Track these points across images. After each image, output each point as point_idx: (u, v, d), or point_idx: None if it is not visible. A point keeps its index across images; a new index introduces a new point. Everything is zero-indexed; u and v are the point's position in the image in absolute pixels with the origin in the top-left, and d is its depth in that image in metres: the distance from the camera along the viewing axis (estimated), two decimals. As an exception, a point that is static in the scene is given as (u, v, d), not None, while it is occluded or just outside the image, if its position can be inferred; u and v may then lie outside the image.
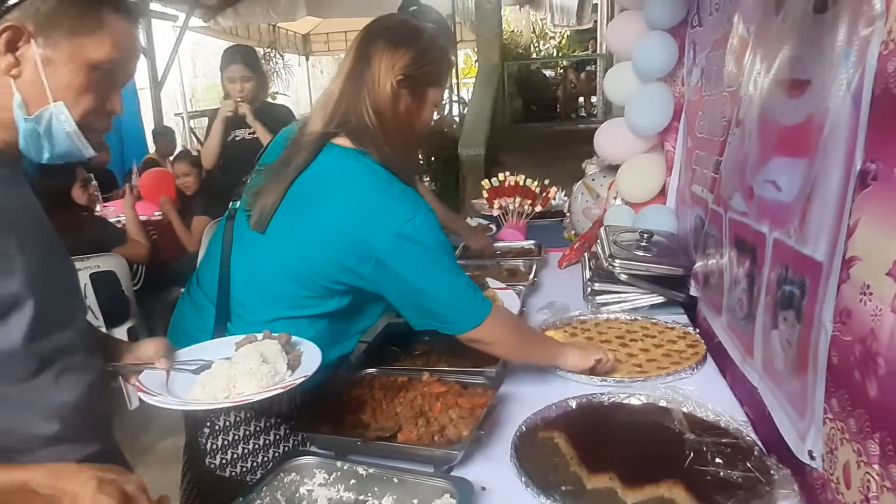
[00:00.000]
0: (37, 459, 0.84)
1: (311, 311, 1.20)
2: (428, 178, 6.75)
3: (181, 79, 8.87)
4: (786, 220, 1.00)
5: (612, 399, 1.24)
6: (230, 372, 0.99)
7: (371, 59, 1.20)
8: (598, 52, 9.61)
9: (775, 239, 1.05)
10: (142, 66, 6.47)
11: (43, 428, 0.87)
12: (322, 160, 1.19)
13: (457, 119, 7.11)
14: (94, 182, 4.22)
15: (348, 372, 1.36)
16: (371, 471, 1.03)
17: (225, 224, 1.30)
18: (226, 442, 1.19)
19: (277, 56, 9.86)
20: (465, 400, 1.20)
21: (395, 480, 1.01)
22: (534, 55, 11.37)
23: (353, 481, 1.03)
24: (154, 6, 6.40)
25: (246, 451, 1.21)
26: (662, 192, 2.15)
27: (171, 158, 5.32)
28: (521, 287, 1.88)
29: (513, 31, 11.78)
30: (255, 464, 1.21)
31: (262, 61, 10.98)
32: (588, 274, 1.86)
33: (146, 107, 6.67)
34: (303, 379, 1.00)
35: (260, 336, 1.09)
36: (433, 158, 6.54)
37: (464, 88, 9.96)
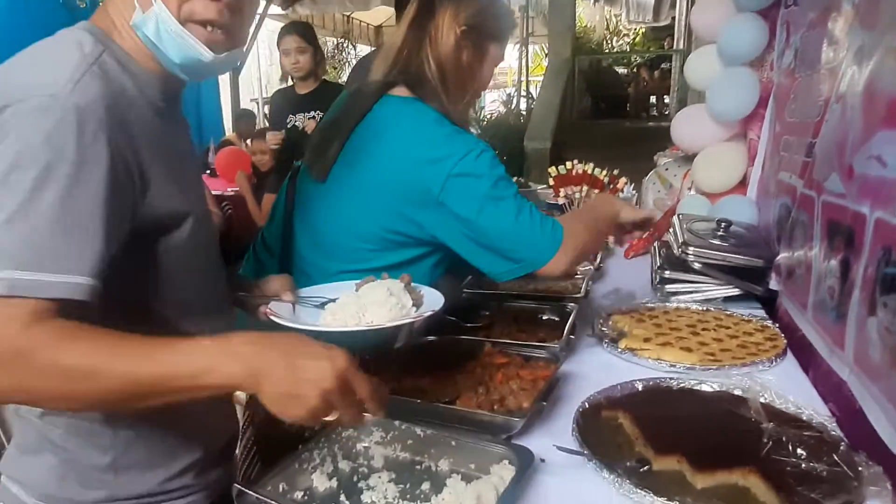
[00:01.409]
0: None
1: (372, 265, 1.19)
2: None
3: (258, 65, 9.17)
4: (891, 198, 0.92)
5: (682, 385, 1.18)
6: (360, 301, 0.99)
7: (435, 8, 1.19)
8: (674, 48, 9.31)
9: (877, 219, 0.96)
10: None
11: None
12: (379, 110, 1.20)
13: (524, 113, 7.03)
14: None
15: (411, 337, 1.35)
16: (429, 432, 1.01)
17: (288, 183, 1.33)
18: None
19: (350, 46, 10.06)
20: (526, 372, 1.17)
21: (453, 443, 0.99)
22: (606, 51, 11.12)
23: (409, 441, 1.02)
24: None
25: None
26: (742, 183, 2.04)
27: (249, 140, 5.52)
28: (588, 268, 1.83)
29: (586, 26, 11.56)
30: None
31: (336, 51, 11.27)
32: (658, 262, 1.79)
33: (224, 91, 6.93)
34: (430, 313, 1.00)
35: (379, 278, 1.09)
36: (498, 151, 6.52)
37: (532, 85, 9.85)
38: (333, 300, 1.04)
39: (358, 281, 1.10)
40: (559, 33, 7.37)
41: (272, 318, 0.97)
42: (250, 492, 0.86)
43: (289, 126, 3.14)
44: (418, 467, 0.99)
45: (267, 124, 9.36)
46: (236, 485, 0.88)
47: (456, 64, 1.20)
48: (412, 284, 1.09)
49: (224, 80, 6.91)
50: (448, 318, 1.46)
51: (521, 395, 1.10)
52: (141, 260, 0.79)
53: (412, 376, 1.20)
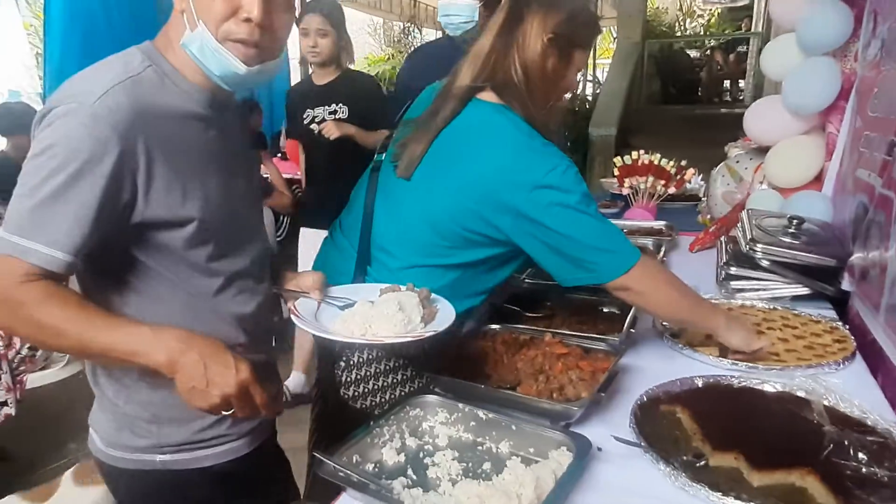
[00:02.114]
0: None
1: (446, 261, 1.25)
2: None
3: (327, 50, 9.34)
4: (974, 204, 0.89)
5: (744, 383, 1.19)
6: (370, 313, 1.07)
7: (524, 16, 1.22)
8: (752, 30, 8.86)
9: (958, 225, 0.94)
10: (295, 38, 6.92)
11: (231, 335, 1.00)
12: (467, 114, 1.24)
13: (589, 98, 6.90)
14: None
15: (474, 325, 1.41)
16: (490, 415, 1.07)
17: (370, 175, 1.39)
18: (359, 376, 1.29)
19: (416, 31, 10.10)
20: (586, 363, 1.20)
21: (514, 428, 1.04)
22: (678, 34, 10.69)
23: (472, 423, 1.08)
24: (306, -20, 6.76)
25: (376, 386, 1.29)
26: (818, 178, 1.97)
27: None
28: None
29: (657, 7, 11.15)
30: (383, 399, 1.30)
31: (402, 35, 11.34)
32: (724, 257, 1.77)
33: (296, 76, 7.13)
34: (432, 333, 1.06)
35: (403, 287, 1.16)
36: (562, 138, 6.43)
37: (599, 69, 9.61)
38: (355, 303, 1.11)
39: (383, 286, 1.17)
40: (628, 16, 7.16)
41: (293, 316, 1.08)
42: (328, 461, 0.95)
43: (306, 122, 2.71)
44: (480, 448, 1.05)
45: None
46: (316, 453, 0.97)
47: (542, 70, 1.23)
48: (431, 297, 1.14)
49: (295, 66, 7.12)
50: (510, 307, 1.51)
51: (580, 385, 1.14)
52: (141, 252, 0.92)
53: (476, 362, 1.26)
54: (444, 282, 1.24)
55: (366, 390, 1.29)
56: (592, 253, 1.17)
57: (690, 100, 9.22)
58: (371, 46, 12.33)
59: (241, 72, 0.89)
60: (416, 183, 1.26)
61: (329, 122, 2.58)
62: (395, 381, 1.31)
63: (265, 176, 3.98)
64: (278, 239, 3.68)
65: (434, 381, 1.19)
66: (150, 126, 0.86)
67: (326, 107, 2.69)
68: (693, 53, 10.28)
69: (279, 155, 5.23)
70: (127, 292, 0.94)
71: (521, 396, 1.11)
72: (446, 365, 1.23)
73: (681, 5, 11.60)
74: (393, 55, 11.89)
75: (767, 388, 1.16)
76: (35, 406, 2.50)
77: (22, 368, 2.30)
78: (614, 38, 8.73)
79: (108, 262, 0.91)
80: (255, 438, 1.09)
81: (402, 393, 1.30)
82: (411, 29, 10.03)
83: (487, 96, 1.25)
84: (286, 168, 4.49)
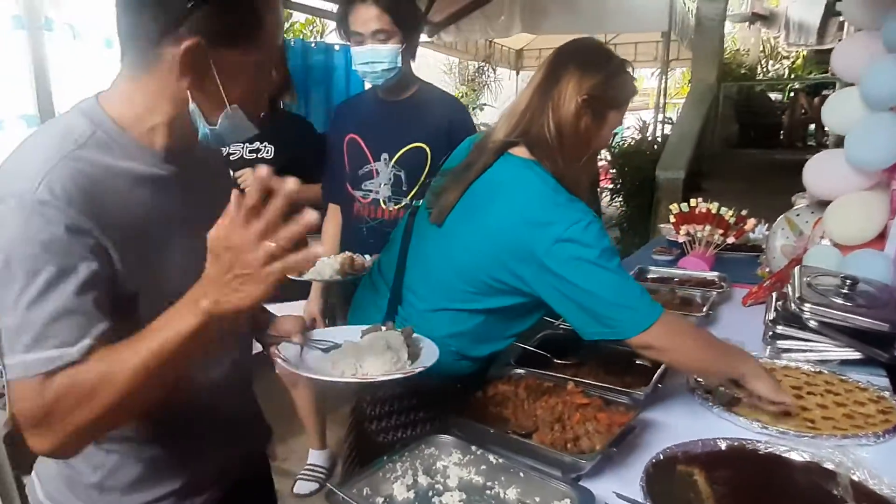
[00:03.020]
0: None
1: (471, 306, 1.30)
2: (620, 199, 6.56)
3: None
4: None
5: (770, 449, 1.15)
6: (358, 353, 1.09)
7: (560, 77, 1.28)
8: (840, 74, 8.46)
9: None
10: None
11: (205, 399, 0.96)
12: (499, 166, 1.29)
13: (659, 140, 6.79)
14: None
15: (501, 368, 1.43)
16: (501, 461, 1.09)
17: (408, 219, 1.47)
18: (382, 411, 1.35)
19: (490, 70, 10.34)
20: (604, 416, 1.20)
21: (521, 475, 1.06)
22: (760, 76, 10.37)
23: (483, 467, 1.11)
24: (387, 23, 7.10)
25: (399, 422, 1.35)
26: (881, 237, 1.88)
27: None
28: (692, 318, 1.79)
29: (738, 49, 10.89)
30: (409, 435, 1.35)
31: (476, 74, 11.61)
32: (772, 315, 1.71)
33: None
34: (421, 369, 1.07)
35: (384, 327, 1.19)
36: (628, 179, 6.35)
37: (673, 109, 9.46)
38: (338, 345, 1.12)
39: (364, 327, 1.18)
40: (704, 57, 7.05)
41: (277, 359, 1.07)
42: (338, 492, 1.00)
43: (228, 155, 2.35)
44: (488, 492, 1.07)
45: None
46: (328, 484, 1.02)
47: (574, 129, 1.28)
48: (413, 336, 1.16)
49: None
50: (540, 352, 1.52)
51: (596, 438, 1.14)
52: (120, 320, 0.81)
53: (497, 405, 1.28)
54: (469, 326, 1.29)
55: (388, 425, 1.34)
56: (612, 309, 1.18)
57: (771, 144, 8.88)
58: (446, 84, 12.71)
59: (251, 134, 0.92)
60: (446, 230, 1.32)
61: (248, 170, 2.12)
62: (419, 417, 1.36)
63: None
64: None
65: (451, 422, 1.22)
66: (103, 200, 0.79)
67: (248, 144, 2.34)
68: (775, 96, 9.93)
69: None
70: None
71: (531, 444, 1.12)
72: (469, 406, 1.27)
73: (763, 47, 11.29)
74: (466, 93, 12.20)
75: (795, 456, 1.12)
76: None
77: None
78: (688, 81, 8.58)
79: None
80: None
81: (423, 431, 1.34)
82: (485, 68, 10.27)
83: (519, 151, 1.30)
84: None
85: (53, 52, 3.73)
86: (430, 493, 1.07)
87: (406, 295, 1.38)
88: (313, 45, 6.08)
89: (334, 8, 6.18)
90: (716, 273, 2.32)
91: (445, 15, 7.65)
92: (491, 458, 1.10)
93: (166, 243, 0.88)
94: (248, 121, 0.89)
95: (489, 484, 1.09)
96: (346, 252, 1.89)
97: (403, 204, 1.94)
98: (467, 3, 7.36)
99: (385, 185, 1.95)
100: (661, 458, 1.11)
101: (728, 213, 2.53)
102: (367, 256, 1.88)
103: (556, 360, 1.50)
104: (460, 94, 12.29)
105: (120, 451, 0.92)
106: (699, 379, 1.42)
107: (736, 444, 1.16)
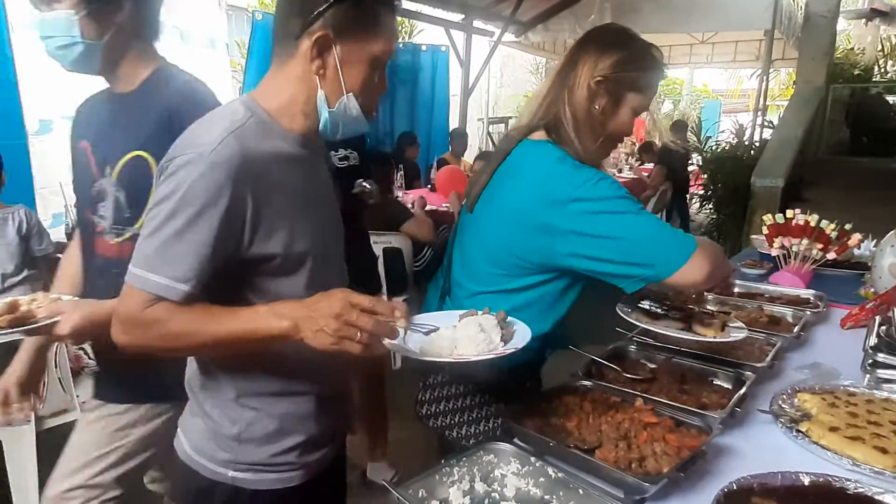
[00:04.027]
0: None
1: (505, 287, 1.32)
2: (711, 207, 6.25)
3: (488, 88, 9.73)
4: None
5: (860, 490, 1.05)
6: (454, 335, 1.14)
7: (578, 61, 1.31)
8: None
9: None
10: (457, 75, 7.33)
11: (319, 365, 1.09)
12: (517, 151, 1.33)
13: (757, 144, 6.38)
14: (402, 172, 4.95)
15: (567, 378, 1.40)
16: (560, 475, 1.06)
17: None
18: (432, 396, 1.39)
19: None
20: (674, 437, 1.14)
21: (581, 492, 1.02)
22: (877, 77, 9.52)
23: (541, 479, 1.08)
24: (476, 23, 7.14)
25: (447, 408, 1.38)
26: None
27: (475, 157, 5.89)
28: (780, 338, 1.67)
29: (851, 48, 10.05)
30: (453, 421, 1.38)
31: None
32: (873, 341, 1.56)
33: (454, 111, 7.51)
34: (513, 350, 1.10)
35: (480, 312, 1.22)
36: (721, 185, 6.03)
37: (774, 112, 8.87)
38: (437, 329, 1.18)
39: (462, 312, 1.23)
40: (811, 58, 6.54)
41: (384, 341, 1.12)
42: (394, 491, 1.01)
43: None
44: (545, 506, 1.05)
45: (489, 143, 9.89)
46: (383, 481, 1.03)
47: (587, 112, 1.30)
48: (508, 320, 1.19)
49: (455, 101, 7.51)
50: (609, 365, 1.47)
51: (664, 460, 1.09)
52: (244, 286, 1.03)
53: (561, 415, 1.25)
54: (507, 307, 1.28)
55: (438, 410, 1.38)
56: (644, 248, 1.17)
57: (889, 151, 8.13)
58: (532, 85, 12.59)
59: (364, 130, 1.09)
60: (475, 216, 1.37)
61: (364, 183, 2.27)
62: (464, 404, 1.39)
63: (408, 202, 4.23)
64: (417, 268, 3.85)
65: (512, 430, 1.20)
66: (255, 170, 0.96)
67: (335, 152, 2.29)
68: (893, 99, 9.08)
69: (429, 187, 5.51)
70: None
71: (594, 461, 1.08)
72: (529, 412, 1.25)
73: (882, 45, 10.34)
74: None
75: (888, 499, 1.01)
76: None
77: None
78: (793, 82, 8.01)
79: (215, 295, 0.99)
80: (312, 472, 1.16)
81: (471, 418, 1.37)
82: (573, 68, 10.07)
83: (538, 135, 1.34)
84: (433, 200, 4.72)
85: (162, 53, 4.03)
86: (487, 501, 1.06)
87: (452, 284, 1.43)
88: (401, 45, 6.19)
89: (423, 9, 6.28)
90: (811, 291, 2.15)
91: (534, 14, 7.58)
92: (550, 471, 1.07)
93: (295, 215, 1.03)
94: (360, 112, 1.04)
95: (546, 498, 1.06)
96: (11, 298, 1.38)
97: (129, 236, 1.36)
98: (557, 2, 7.27)
99: (110, 209, 1.38)
100: (735, 487, 1.04)
101: (829, 227, 2.34)
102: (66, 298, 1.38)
103: (625, 375, 1.44)
104: (546, 95, 12.13)
105: (255, 409, 1.08)
106: (783, 405, 1.32)
107: (821, 480, 1.07)
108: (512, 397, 1.34)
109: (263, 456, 1.09)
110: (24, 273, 2.30)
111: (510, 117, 11.94)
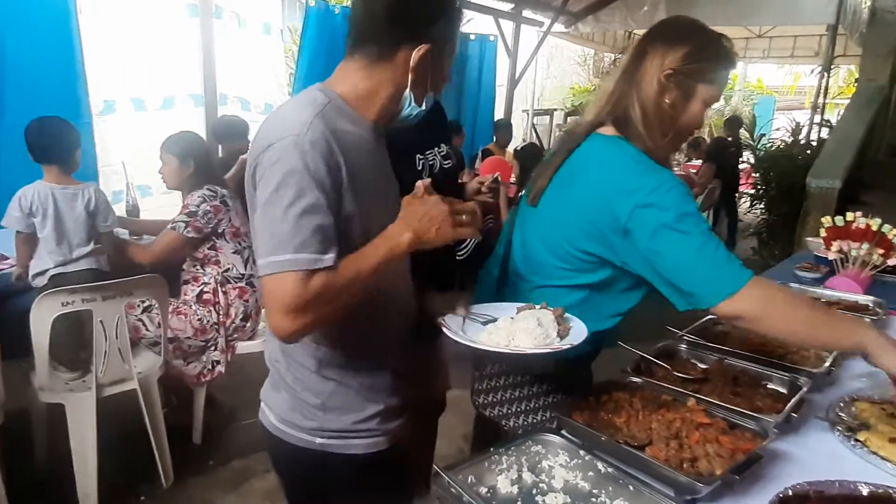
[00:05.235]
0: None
1: (567, 282, 1.32)
2: (762, 207, 6.06)
3: (534, 78, 9.62)
4: None
5: (924, 503, 1.02)
6: (512, 327, 1.16)
7: (646, 55, 1.28)
8: None
9: None
10: (504, 65, 7.27)
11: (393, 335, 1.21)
12: (586, 145, 1.32)
13: (814, 144, 6.15)
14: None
15: (617, 374, 1.40)
16: (610, 470, 1.06)
17: (514, 208, 1.53)
18: (489, 386, 1.39)
19: (627, 62, 9.94)
20: (728, 440, 1.12)
21: (631, 488, 1.02)
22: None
23: (590, 473, 1.09)
24: (526, 13, 7.07)
25: (505, 398, 1.39)
26: None
27: (518, 148, 5.85)
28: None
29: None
30: (509, 411, 1.39)
31: (612, 66, 11.22)
32: (939, 352, 1.50)
33: (500, 102, 7.47)
34: (568, 346, 1.12)
35: (537, 306, 1.24)
36: (773, 185, 5.84)
37: (832, 110, 8.52)
38: (495, 319, 1.21)
39: (520, 304, 1.25)
40: (876, 55, 6.24)
41: (443, 329, 1.19)
42: (444, 475, 1.03)
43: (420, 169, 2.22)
44: (594, 500, 1.05)
45: (534, 135, 9.80)
46: (435, 466, 1.05)
47: (658, 106, 1.27)
48: (565, 315, 1.21)
49: (501, 92, 7.46)
50: (659, 363, 1.46)
51: (716, 462, 1.07)
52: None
53: (610, 411, 1.24)
54: (568, 302, 1.29)
55: (494, 400, 1.39)
56: (692, 275, 1.14)
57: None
58: (578, 77, 12.41)
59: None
60: (540, 211, 1.36)
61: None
62: (521, 395, 1.40)
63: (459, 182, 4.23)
64: (460, 257, 3.85)
65: (561, 423, 1.21)
66: (343, 146, 1.03)
67: (437, 149, 2.20)
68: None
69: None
70: None
71: (645, 458, 1.08)
72: (579, 405, 1.25)
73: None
74: (599, 86, 11.85)
75: (954, 516, 0.98)
76: (240, 369, 2.96)
77: (235, 336, 2.76)
78: (855, 80, 7.67)
79: None
80: (395, 438, 1.22)
81: (527, 408, 1.38)
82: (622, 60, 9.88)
83: (606, 130, 1.32)
84: (477, 190, 4.70)
85: (220, 38, 4.15)
86: (534, 491, 1.07)
87: (510, 276, 1.43)
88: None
89: (473, -2, 6.24)
90: (871, 297, 2.07)
91: (585, 4, 7.46)
92: (599, 465, 1.07)
93: (370, 190, 1.10)
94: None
95: (595, 492, 1.07)
96: None
97: None
98: (609, -8, 7.13)
99: None
100: (790, 493, 1.02)
101: (892, 231, 2.25)
102: None
103: (676, 373, 1.42)
104: (593, 87, 11.94)
105: (335, 380, 1.14)
106: (840, 413, 1.29)
107: (881, 490, 1.04)
108: (567, 390, 1.35)
109: (347, 423, 1.15)
110: (91, 246, 2.40)
111: (555, 109, 11.80)
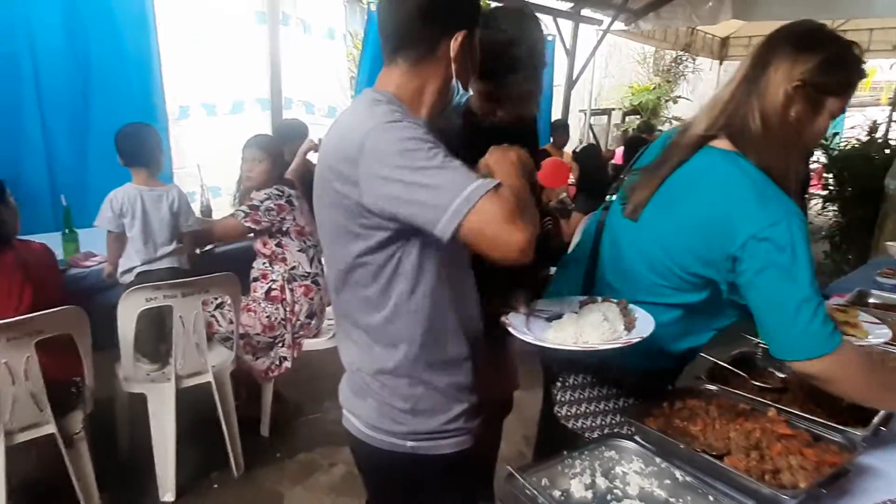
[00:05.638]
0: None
1: (666, 300, 1.27)
2: (835, 209, 5.78)
3: (592, 78, 9.48)
4: None
5: None
6: (578, 323, 1.15)
7: (769, 63, 1.19)
8: None
9: None
10: (561, 65, 7.19)
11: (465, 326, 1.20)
12: (697, 159, 1.25)
13: (892, 143, 5.81)
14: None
15: (690, 381, 1.37)
16: (688, 479, 1.05)
17: (601, 213, 1.47)
18: (573, 398, 1.38)
19: (689, 59, 9.65)
20: (812, 452, 1.09)
21: (711, 498, 1.01)
22: None
23: (667, 481, 1.07)
24: (585, 12, 6.97)
25: (588, 410, 1.37)
26: None
27: (577, 150, 5.78)
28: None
29: None
30: (594, 423, 1.36)
31: (673, 64, 10.95)
32: None
33: (557, 102, 7.39)
34: (639, 339, 1.10)
35: (600, 299, 1.23)
36: (847, 186, 5.56)
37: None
38: (559, 315, 1.19)
39: (582, 298, 1.23)
40: (967, 48, 5.86)
41: (508, 327, 1.19)
42: (519, 477, 1.04)
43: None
44: (670, 508, 1.04)
45: (590, 135, 9.65)
46: (509, 467, 1.07)
47: (782, 119, 1.18)
48: (629, 307, 1.18)
49: (558, 92, 7.38)
50: (736, 371, 1.42)
51: (800, 475, 1.04)
52: None
53: (684, 419, 1.23)
54: (664, 320, 1.25)
55: (578, 412, 1.37)
56: (782, 325, 1.10)
57: None
58: (638, 75, 12.12)
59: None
60: (640, 224, 1.30)
61: None
62: (606, 408, 1.37)
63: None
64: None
65: (637, 430, 1.20)
66: None
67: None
68: None
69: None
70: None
71: (729, 469, 1.06)
72: (654, 414, 1.23)
73: None
74: (659, 85, 11.51)
75: None
76: (306, 365, 3.06)
77: (301, 333, 2.85)
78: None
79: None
80: (476, 435, 1.23)
81: (613, 422, 1.35)
82: (684, 58, 9.58)
83: (720, 143, 1.24)
84: (534, 191, 4.67)
85: (286, 43, 4.29)
86: (609, 497, 1.07)
87: (600, 287, 1.39)
88: (508, 35, 6.12)
89: (530, -3, 6.20)
90: (961, 306, 1.96)
91: (646, 2, 7.29)
92: (677, 473, 1.06)
93: None
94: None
95: (672, 500, 1.06)
96: None
97: None
98: (672, -12, 6.94)
99: None
100: (881, 511, 0.99)
101: None
102: None
103: (752, 382, 1.39)
104: (653, 86, 11.65)
105: (422, 384, 1.14)
106: (933, 429, 1.23)
107: (982, 513, 0.99)
108: (644, 396, 1.33)
109: (436, 425, 1.16)
110: (173, 245, 2.53)
111: (613, 109, 11.58)
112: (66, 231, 2.74)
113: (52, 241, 2.33)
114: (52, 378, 1.96)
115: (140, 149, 2.48)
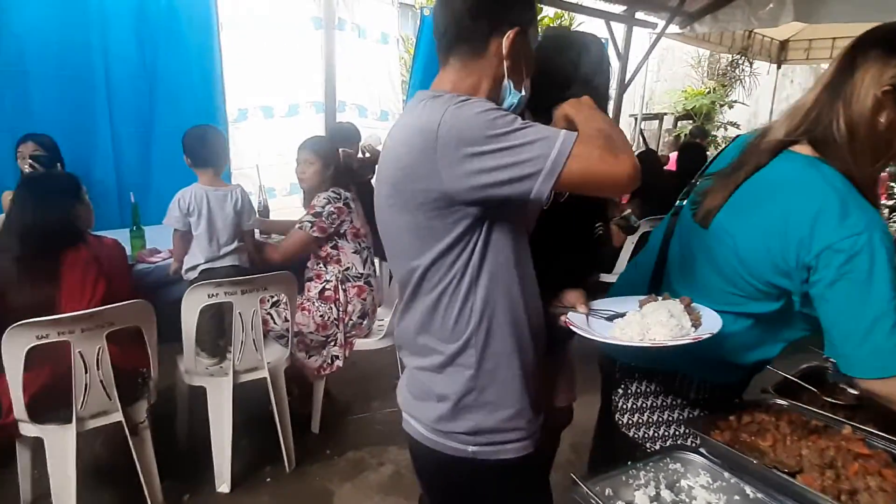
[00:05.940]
0: None
1: (737, 309, 1.22)
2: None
3: (644, 82, 9.32)
4: None
5: None
6: (644, 321, 1.13)
7: (857, 67, 1.14)
8: None
9: None
10: (612, 69, 7.09)
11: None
12: (777, 165, 1.20)
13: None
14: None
15: (758, 394, 1.34)
16: (759, 496, 1.02)
17: (669, 218, 1.43)
18: (635, 406, 1.35)
19: (746, 63, 9.37)
20: (892, 473, 1.04)
21: (784, 516, 0.98)
22: None
23: (736, 497, 1.04)
24: (639, 15, 6.87)
25: (651, 420, 1.34)
26: None
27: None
28: None
29: None
30: (656, 434, 1.33)
31: (729, 68, 10.62)
32: None
33: (608, 106, 7.28)
34: (708, 335, 1.07)
35: (660, 297, 1.19)
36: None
37: None
38: (621, 314, 1.17)
39: (642, 298, 1.20)
40: None
41: (571, 327, 1.17)
42: (583, 485, 1.03)
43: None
44: (741, 525, 1.01)
45: (640, 140, 9.46)
46: (572, 475, 1.06)
47: (870, 126, 1.13)
48: (692, 305, 1.15)
49: (609, 95, 7.26)
50: (807, 387, 1.37)
51: (880, 497, 1.00)
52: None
53: (753, 434, 1.19)
54: (734, 329, 1.22)
55: (640, 421, 1.35)
56: (853, 341, 1.05)
57: None
58: (691, 79, 11.83)
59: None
60: (712, 231, 1.26)
61: None
62: (671, 418, 1.34)
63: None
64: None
65: (703, 443, 1.17)
66: None
67: None
68: None
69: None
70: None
71: (804, 487, 1.02)
72: (720, 427, 1.20)
73: None
74: (714, 89, 11.20)
75: None
76: (355, 365, 3.10)
77: (353, 333, 2.89)
78: None
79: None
80: (536, 439, 1.21)
81: (676, 433, 1.32)
82: (740, 61, 9.29)
83: (802, 149, 1.19)
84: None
85: (341, 48, 4.37)
86: (675, 510, 1.04)
87: (664, 289, 1.35)
88: (562, 38, 6.10)
89: (585, 0, 6.14)
90: None
91: (702, 4, 7.12)
92: (748, 490, 1.03)
93: None
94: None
95: (742, 516, 1.03)
96: None
97: None
98: (730, -10, 6.76)
99: None
100: (970, 539, 0.93)
101: None
102: None
103: (824, 398, 1.33)
104: (707, 90, 11.35)
105: (482, 378, 1.13)
106: None
107: None
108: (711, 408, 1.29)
109: (499, 419, 1.13)
110: (235, 244, 2.61)
111: (665, 113, 11.33)
112: (134, 228, 2.86)
113: (119, 237, 2.43)
114: (121, 368, 2.05)
115: (207, 150, 2.56)
